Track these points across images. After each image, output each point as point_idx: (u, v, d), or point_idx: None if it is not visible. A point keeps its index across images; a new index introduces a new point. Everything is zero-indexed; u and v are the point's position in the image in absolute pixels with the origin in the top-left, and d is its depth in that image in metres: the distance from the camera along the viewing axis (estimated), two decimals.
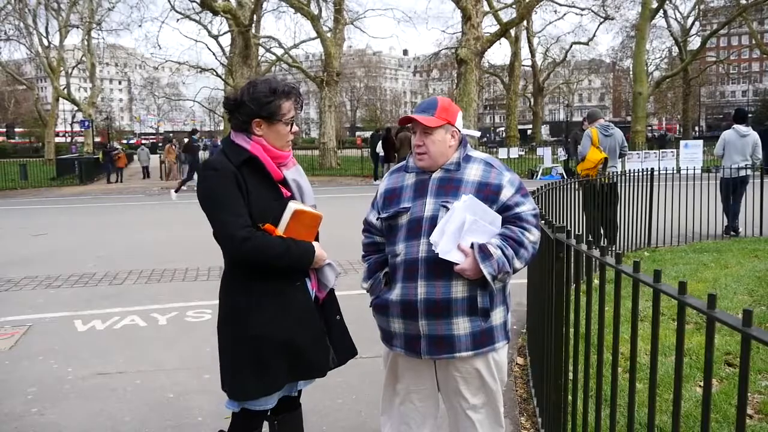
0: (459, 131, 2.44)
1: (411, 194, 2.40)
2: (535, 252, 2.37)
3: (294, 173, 2.46)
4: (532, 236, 2.33)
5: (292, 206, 2.31)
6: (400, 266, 2.35)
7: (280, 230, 2.30)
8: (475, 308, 2.30)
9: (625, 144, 8.26)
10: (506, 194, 2.34)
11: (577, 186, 6.97)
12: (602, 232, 7.27)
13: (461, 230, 2.24)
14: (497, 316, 2.38)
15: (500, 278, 2.29)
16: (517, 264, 2.31)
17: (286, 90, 2.37)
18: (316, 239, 2.50)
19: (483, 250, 2.23)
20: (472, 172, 2.37)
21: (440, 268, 2.26)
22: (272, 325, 2.32)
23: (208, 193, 2.30)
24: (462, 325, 2.30)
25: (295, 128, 2.42)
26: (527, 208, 2.35)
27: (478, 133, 21.59)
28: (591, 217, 7.11)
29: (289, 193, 2.40)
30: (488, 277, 2.23)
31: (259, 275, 2.32)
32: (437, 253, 2.23)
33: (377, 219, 2.49)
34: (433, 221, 2.30)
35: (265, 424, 2.57)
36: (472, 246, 2.24)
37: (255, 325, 2.32)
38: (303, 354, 2.38)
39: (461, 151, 2.42)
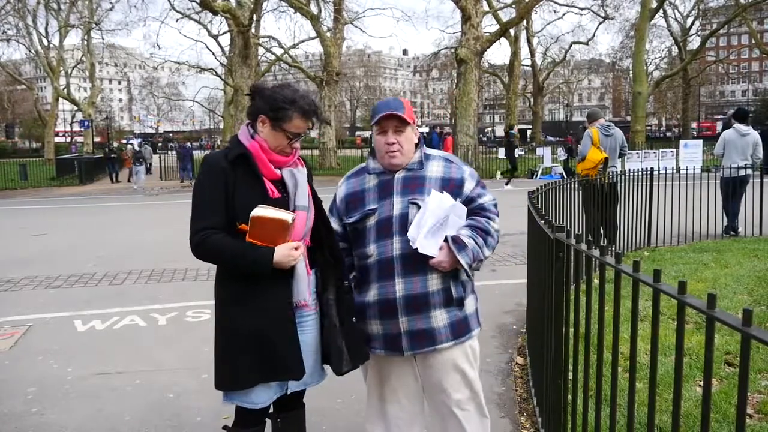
0: (417, 130, 2.52)
1: (375, 195, 2.44)
2: (498, 238, 2.49)
3: (292, 171, 2.43)
4: (496, 224, 2.47)
5: (253, 212, 2.28)
6: (374, 267, 2.38)
7: (247, 235, 2.31)
8: (451, 299, 2.38)
9: (626, 144, 8.27)
10: (469, 187, 2.46)
11: (577, 186, 6.97)
12: (602, 231, 7.27)
13: (437, 225, 2.30)
14: (470, 305, 2.48)
15: (475, 266, 2.37)
16: (486, 252, 2.41)
17: (305, 108, 2.35)
18: (313, 240, 2.47)
19: (457, 242, 2.31)
20: (434, 169, 2.47)
21: (416, 264, 2.33)
22: (245, 320, 2.33)
23: (195, 185, 2.41)
24: (440, 317, 2.38)
25: (296, 145, 2.41)
26: (488, 198, 2.49)
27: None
28: (591, 217, 7.12)
29: (278, 195, 2.38)
30: (465, 267, 2.31)
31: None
32: (414, 249, 2.29)
33: (341, 225, 2.51)
34: (403, 219, 2.36)
35: (268, 423, 2.57)
36: (445, 239, 2.31)
37: (230, 318, 2.35)
38: (274, 354, 2.35)
39: (421, 150, 2.49)
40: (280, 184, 2.40)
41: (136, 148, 26.56)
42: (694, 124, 53.70)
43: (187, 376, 4.23)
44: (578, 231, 6.29)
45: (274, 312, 2.35)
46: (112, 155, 26.64)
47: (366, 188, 2.48)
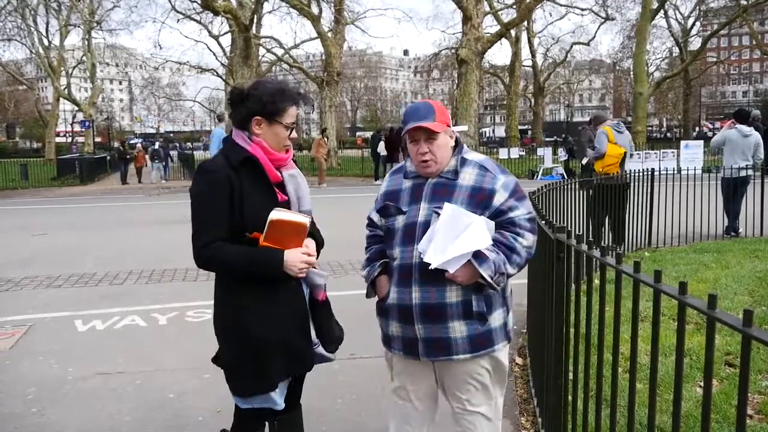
0: (454, 131, 2.45)
1: (408, 199, 2.42)
2: (531, 256, 2.35)
3: (293, 175, 2.45)
4: (526, 241, 2.32)
5: (272, 215, 2.27)
6: (396, 270, 2.37)
7: (261, 238, 2.28)
8: (471, 312, 2.30)
9: (632, 143, 8.34)
10: (499, 199, 2.32)
11: (589, 185, 7.11)
12: (608, 232, 7.33)
13: (449, 239, 2.23)
14: (496, 318, 2.37)
15: (496, 280, 2.26)
16: (510, 269, 2.29)
17: (293, 95, 2.37)
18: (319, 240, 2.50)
19: (478, 255, 2.23)
20: (467, 177, 2.36)
21: (434, 273, 2.27)
22: (266, 326, 2.32)
23: (195, 195, 2.33)
24: (458, 329, 2.31)
25: (294, 135, 2.42)
26: (521, 212, 2.33)
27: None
28: (598, 217, 7.22)
29: (285, 197, 2.38)
30: (487, 278, 2.22)
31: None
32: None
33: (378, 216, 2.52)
34: (426, 226, 2.31)
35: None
36: None
37: (249, 326, 2.32)
38: (295, 353, 2.39)
39: (458, 155, 2.41)
40: (281, 186, 2.40)
41: (156, 147, 27.29)
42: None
43: (188, 376, 4.23)
44: (578, 231, 6.29)
45: (292, 313, 2.37)
46: (127, 156, 25.61)
47: (402, 189, 2.45)
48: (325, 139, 21.69)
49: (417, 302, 2.31)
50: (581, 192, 7.01)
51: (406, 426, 2.56)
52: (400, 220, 2.39)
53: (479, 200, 2.31)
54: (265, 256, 2.28)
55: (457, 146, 2.43)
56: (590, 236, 7.15)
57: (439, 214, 2.28)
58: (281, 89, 2.34)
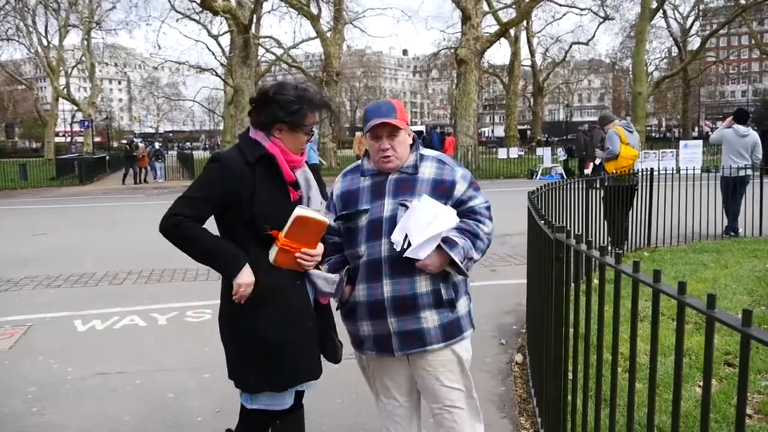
0: (411, 131, 2.51)
1: (368, 196, 2.44)
2: (490, 242, 2.46)
3: (305, 174, 2.47)
4: (486, 228, 2.44)
5: (297, 211, 2.29)
6: (363, 267, 2.39)
7: (282, 234, 2.29)
8: (441, 300, 2.38)
9: (639, 143, 8.38)
10: (460, 189, 2.43)
11: (602, 185, 7.25)
12: (608, 231, 7.36)
13: (422, 227, 2.29)
14: (462, 306, 2.47)
15: (465, 265, 2.34)
16: (475, 254, 2.38)
17: (315, 102, 2.37)
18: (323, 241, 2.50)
19: (447, 241, 2.31)
20: (426, 171, 2.45)
21: (404, 266, 2.33)
22: (272, 328, 2.32)
23: (199, 176, 2.37)
24: (430, 318, 2.37)
25: (313, 137, 2.45)
26: (480, 201, 2.46)
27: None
28: (614, 218, 7.29)
29: (297, 196, 2.40)
30: (458, 262, 2.29)
31: (262, 273, 2.32)
32: (399, 251, 2.30)
33: (335, 221, 2.51)
34: (393, 221, 2.36)
35: None
36: None
37: (257, 326, 2.32)
38: (302, 356, 2.38)
39: (416, 152, 2.49)
40: (294, 185, 2.41)
41: (156, 147, 27.75)
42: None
43: (187, 376, 4.22)
44: (578, 231, 6.29)
45: (298, 314, 2.37)
46: (133, 154, 25.21)
47: (360, 188, 2.48)
48: (365, 137, 21.49)
49: (389, 295, 2.34)
50: (582, 192, 7.02)
51: (395, 424, 2.58)
52: (363, 218, 2.41)
53: (441, 191, 2.41)
54: (227, 258, 2.28)
55: (414, 144, 2.50)
56: (609, 237, 7.27)
57: (407, 207, 2.34)
58: (302, 97, 2.33)
